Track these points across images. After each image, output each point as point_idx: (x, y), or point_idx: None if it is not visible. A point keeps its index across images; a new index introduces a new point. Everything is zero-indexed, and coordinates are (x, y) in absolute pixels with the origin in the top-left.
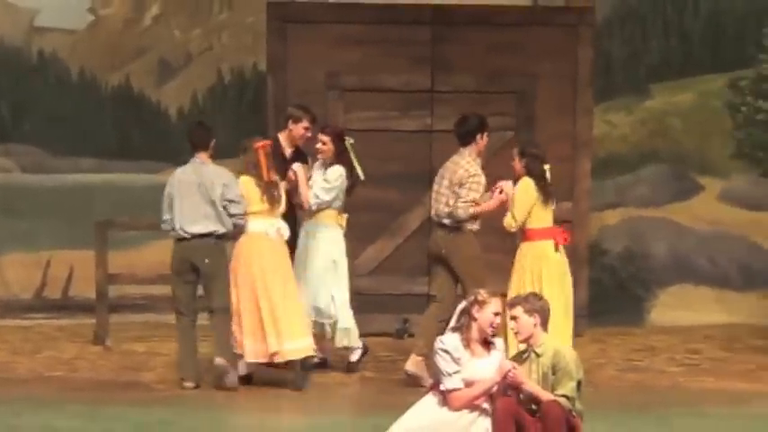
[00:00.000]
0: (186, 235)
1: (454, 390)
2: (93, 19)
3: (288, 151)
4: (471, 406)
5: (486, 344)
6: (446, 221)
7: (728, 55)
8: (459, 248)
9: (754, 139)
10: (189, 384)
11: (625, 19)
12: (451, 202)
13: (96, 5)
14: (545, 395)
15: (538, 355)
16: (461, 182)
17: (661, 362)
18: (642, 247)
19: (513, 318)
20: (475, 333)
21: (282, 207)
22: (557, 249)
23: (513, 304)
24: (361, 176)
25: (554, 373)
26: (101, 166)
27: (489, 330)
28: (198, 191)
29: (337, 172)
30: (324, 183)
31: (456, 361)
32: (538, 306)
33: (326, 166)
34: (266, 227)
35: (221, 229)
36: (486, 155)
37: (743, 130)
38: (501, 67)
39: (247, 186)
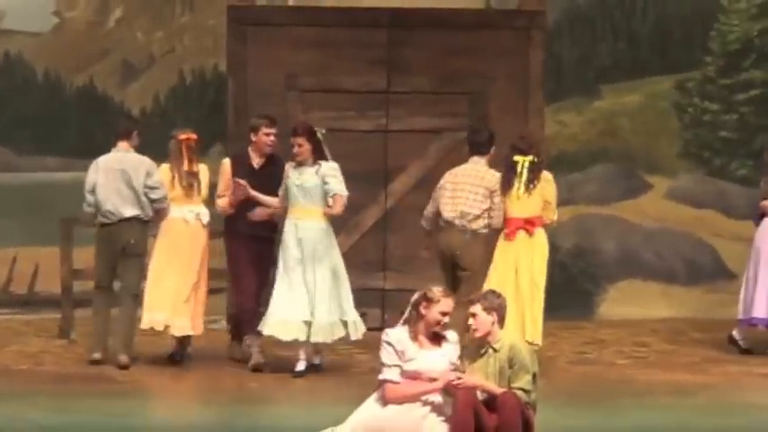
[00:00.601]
0: (112, 219)
1: (390, 381)
2: (58, 22)
3: (256, 161)
4: (410, 401)
5: (438, 337)
6: (467, 224)
7: (675, 57)
8: (472, 250)
9: (701, 139)
10: (96, 356)
11: (575, 22)
12: (484, 207)
13: (61, 8)
14: (499, 390)
15: (495, 351)
16: (494, 189)
17: (610, 354)
18: (592, 243)
19: (472, 315)
20: (422, 327)
21: (202, 195)
22: (507, 239)
23: (472, 301)
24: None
25: (510, 367)
26: (66, 164)
27: (436, 328)
28: (121, 177)
29: (337, 167)
30: (333, 179)
31: (398, 354)
32: (496, 304)
33: (308, 164)
34: (184, 212)
35: (142, 214)
36: (441, 155)
37: (689, 130)
38: (455, 69)
39: (164, 173)
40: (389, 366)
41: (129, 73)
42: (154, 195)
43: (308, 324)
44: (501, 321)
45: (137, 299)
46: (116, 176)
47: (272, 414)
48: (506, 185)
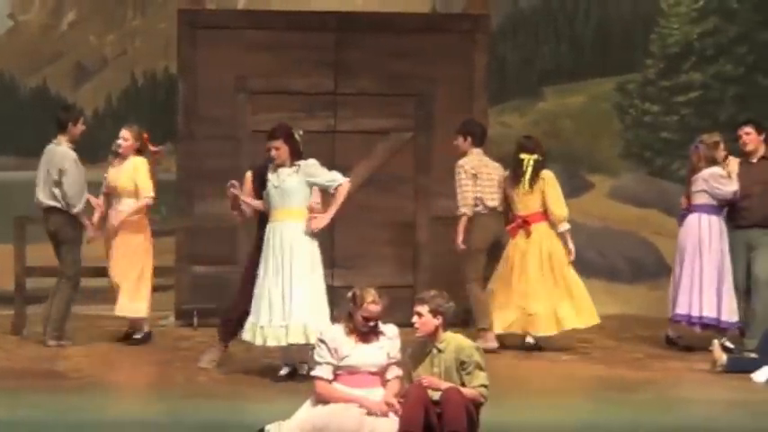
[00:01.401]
0: (40, 208)
1: (320, 378)
2: (13, 24)
3: None
4: (339, 402)
5: (375, 331)
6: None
7: (617, 60)
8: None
9: (642, 139)
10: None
11: (519, 25)
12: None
13: (16, 11)
14: (445, 385)
15: (440, 351)
16: None
17: (555, 350)
18: None
19: (418, 314)
20: (354, 324)
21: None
22: (510, 235)
23: (421, 300)
24: None
25: (462, 367)
26: (20, 164)
27: (363, 328)
28: (45, 168)
29: (315, 162)
30: (320, 171)
31: (332, 351)
32: (444, 308)
33: (286, 166)
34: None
35: (61, 205)
36: (388, 155)
37: (631, 131)
38: (401, 71)
39: (144, 166)
40: (321, 364)
41: (81, 75)
42: (61, 191)
43: (285, 328)
44: (446, 325)
45: (69, 283)
46: (43, 168)
47: (221, 408)
48: (515, 182)
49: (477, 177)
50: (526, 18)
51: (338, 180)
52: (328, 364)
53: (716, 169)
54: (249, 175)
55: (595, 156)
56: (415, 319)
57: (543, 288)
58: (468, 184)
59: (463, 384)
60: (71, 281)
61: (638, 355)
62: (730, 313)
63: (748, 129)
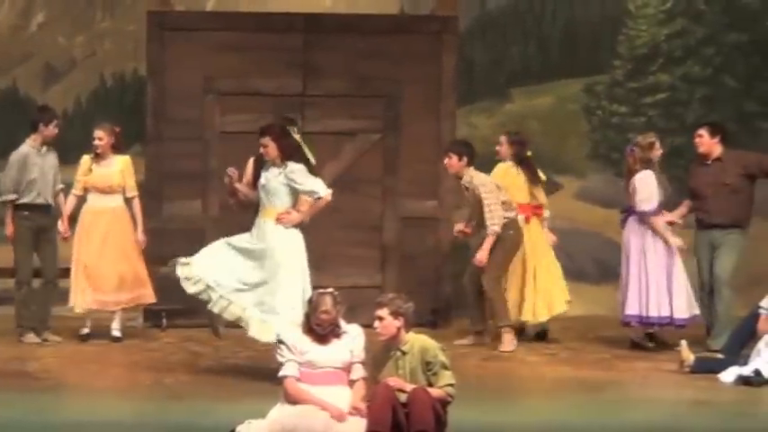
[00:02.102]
0: None
1: (287, 377)
2: None
3: None
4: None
5: (334, 332)
6: None
7: (584, 61)
8: None
9: (609, 140)
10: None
11: (487, 27)
12: None
13: None
14: (410, 386)
15: (404, 353)
16: None
17: (522, 351)
18: None
19: (379, 318)
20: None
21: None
22: (527, 221)
23: (379, 304)
24: (313, 161)
25: (428, 368)
26: None
27: (319, 331)
28: None
29: (299, 168)
30: (305, 176)
31: (291, 349)
32: (403, 309)
33: (276, 165)
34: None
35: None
36: (356, 156)
37: (598, 132)
38: (369, 73)
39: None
40: (285, 363)
41: (51, 76)
42: None
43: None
44: (407, 326)
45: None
46: None
47: (189, 409)
48: (536, 179)
49: (500, 189)
50: (494, 19)
51: (319, 193)
52: (291, 361)
53: (647, 175)
54: (251, 161)
55: (562, 157)
56: (376, 323)
57: (549, 274)
58: (497, 202)
59: (430, 385)
60: (17, 282)
61: (605, 355)
62: (685, 310)
63: (701, 131)
